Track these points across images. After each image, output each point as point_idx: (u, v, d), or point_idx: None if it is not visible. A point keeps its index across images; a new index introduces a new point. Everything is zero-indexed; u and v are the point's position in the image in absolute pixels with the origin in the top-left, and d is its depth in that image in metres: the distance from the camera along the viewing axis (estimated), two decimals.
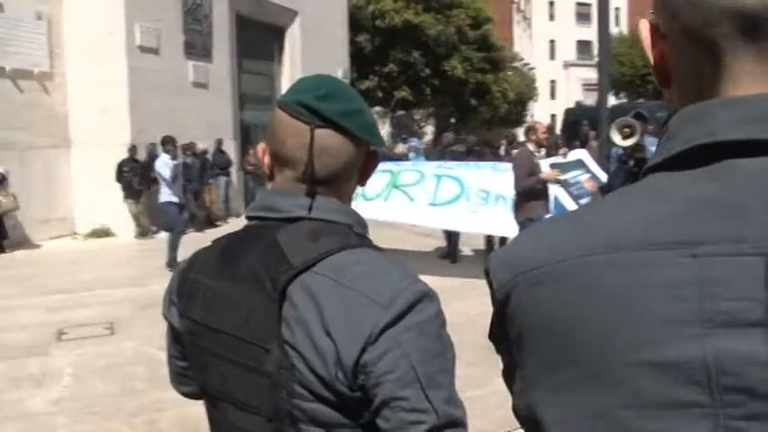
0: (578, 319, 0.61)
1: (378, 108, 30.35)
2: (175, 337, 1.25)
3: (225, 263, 1.13)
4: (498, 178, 8.07)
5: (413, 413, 0.97)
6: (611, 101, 43.84)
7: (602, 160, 6.98)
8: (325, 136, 1.10)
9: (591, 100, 50.00)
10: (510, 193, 7.37)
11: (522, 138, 10.88)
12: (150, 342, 5.96)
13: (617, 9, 60.32)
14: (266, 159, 1.19)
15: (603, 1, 7.15)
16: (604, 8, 7.21)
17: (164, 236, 9.91)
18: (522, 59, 37.49)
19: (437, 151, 12.39)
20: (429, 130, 32.31)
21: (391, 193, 8.42)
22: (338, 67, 19.47)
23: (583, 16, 59.22)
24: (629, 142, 5.77)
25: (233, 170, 14.92)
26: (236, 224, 12.20)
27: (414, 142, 14.14)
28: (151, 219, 12.13)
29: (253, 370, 1.04)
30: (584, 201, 6.58)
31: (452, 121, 31.37)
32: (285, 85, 17.86)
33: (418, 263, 8.85)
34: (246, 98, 16.73)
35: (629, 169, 6.01)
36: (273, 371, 1.01)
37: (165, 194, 9.12)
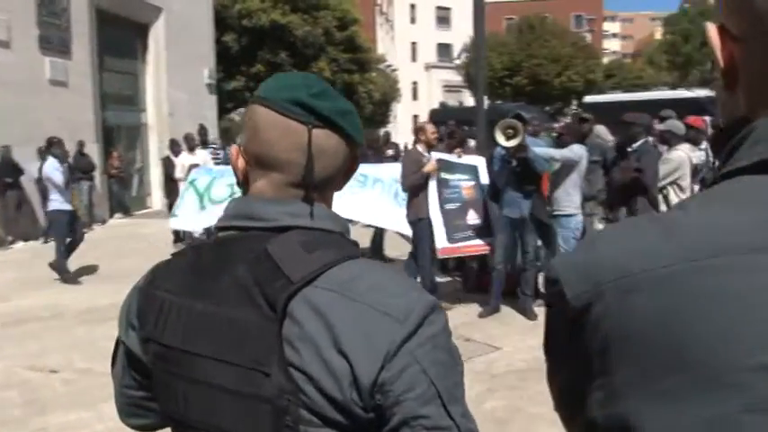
0: (688, 324, 0.59)
1: (242, 109, 29.80)
2: (132, 364, 1.13)
3: (200, 279, 1.02)
4: (377, 167, 8.15)
5: (435, 431, 0.93)
6: (470, 102, 45.52)
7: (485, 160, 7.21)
8: (322, 136, 1.03)
9: (452, 101, 51.86)
10: (389, 177, 7.46)
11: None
12: (20, 362, 5.51)
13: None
14: (240, 163, 1.08)
15: (479, 7, 7.40)
16: (480, 14, 7.48)
17: (35, 245, 9.12)
18: (385, 61, 38.09)
19: None
20: None
21: None
22: (204, 66, 18.93)
23: (443, 20, 61.17)
24: (513, 143, 5.94)
25: (96, 174, 14.08)
26: (101, 232, 11.51)
27: None
28: (5, 227, 11.20)
29: (248, 397, 0.95)
30: (449, 206, 6.61)
31: None
32: (149, 84, 17.13)
33: None
34: (108, 98, 15.86)
35: (512, 169, 6.23)
36: (275, 396, 0.92)
37: (57, 202, 8.47)
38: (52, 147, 8.93)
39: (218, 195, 8.49)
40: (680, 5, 74.62)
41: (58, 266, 8.35)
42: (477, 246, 6.71)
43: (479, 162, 6.98)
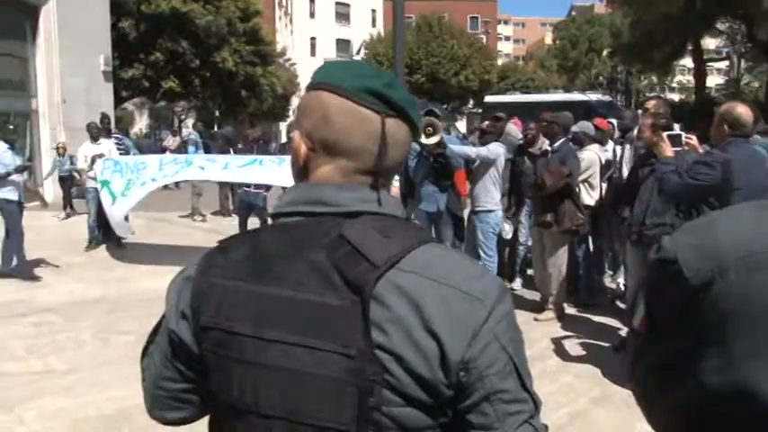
0: None
1: (136, 100, 28.70)
2: (178, 355, 1.10)
3: (268, 264, 1.01)
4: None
5: (514, 404, 0.98)
6: None
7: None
8: (394, 125, 1.05)
9: None
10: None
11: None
12: None
13: (373, 11, 63.26)
14: (303, 149, 1.08)
15: (400, 7, 7.49)
16: (400, 13, 7.57)
17: None
18: (286, 54, 37.77)
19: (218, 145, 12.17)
20: (190, 123, 31.22)
21: (179, 173, 8.21)
22: (99, 52, 18.06)
23: (342, 16, 61.20)
24: (434, 140, 6.08)
25: None
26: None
27: (192, 135, 13.55)
28: None
29: (331, 380, 0.95)
30: None
31: (216, 114, 30.67)
32: (41, 68, 16.16)
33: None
34: None
35: (430, 165, 6.38)
36: (360, 378, 0.94)
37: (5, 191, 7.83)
38: None
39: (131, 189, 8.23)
40: (568, 13, 78.36)
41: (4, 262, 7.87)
42: None
43: None
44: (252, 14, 26.73)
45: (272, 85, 29.43)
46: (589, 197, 6.56)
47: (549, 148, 6.20)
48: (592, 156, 6.56)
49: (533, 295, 6.82)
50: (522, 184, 6.96)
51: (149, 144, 21.72)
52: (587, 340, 5.65)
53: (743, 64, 41.18)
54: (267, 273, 1.01)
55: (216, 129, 22.42)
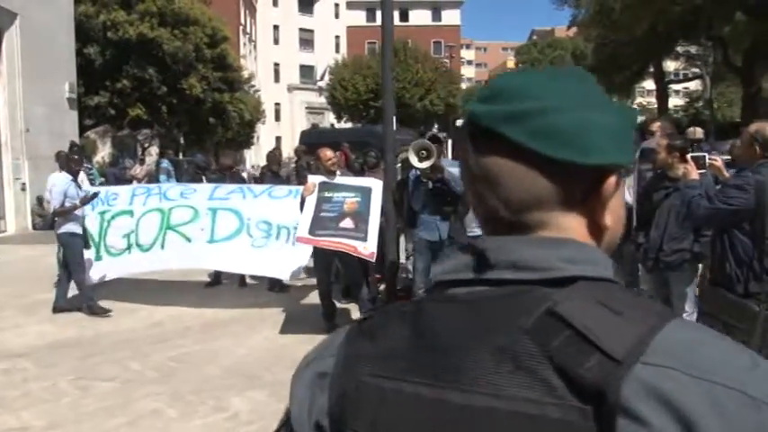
0: None
1: (99, 128, 28.04)
2: None
3: (441, 357, 0.72)
4: (277, 207, 7.79)
5: None
6: (334, 123, 45.53)
7: (390, 182, 7.02)
8: None
9: (313, 123, 51.81)
10: (291, 221, 7.21)
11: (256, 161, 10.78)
12: None
13: (337, 37, 63.42)
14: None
15: (387, 37, 7.22)
16: (388, 38, 7.29)
17: None
18: (253, 81, 37.38)
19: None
20: (153, 151, 30.63)
21: (167, 236, 7.66)
22: (64, 79, 17.50)
23: (305, 42, 61.19)
24: (426, 164, 5.83)
25: None
26: None
27: (164, 163, 13.08)
28: None
29: None
30: (324, 214, 6.36)
31: (181, 141, 30.11)
32: (3, 95, 15.53)
33: (185, 293, 8.17)
34: None
35: (427, 191, 6.10)
36: None
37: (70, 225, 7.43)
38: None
39: (116, 247, 7.76)
40: (529, 37, 79.66)
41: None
42: (337, 242, 6.24)
43: (375, 184, 6.73)
44: (219, 40, 26.33)
45: (240, 112, 29.00)
46: None
47: None
48: None
49: None
50: None
51: (115, 172, 21.09)
52: None
53: (700, 86, 42.19)
54: (444, 369, 0.71)
55: (181, 157, 21.88)
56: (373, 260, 6.37)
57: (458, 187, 5.98)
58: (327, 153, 6.74)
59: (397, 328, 0.76)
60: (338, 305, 6.98)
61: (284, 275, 7.52)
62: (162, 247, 7.62)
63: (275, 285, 8.50)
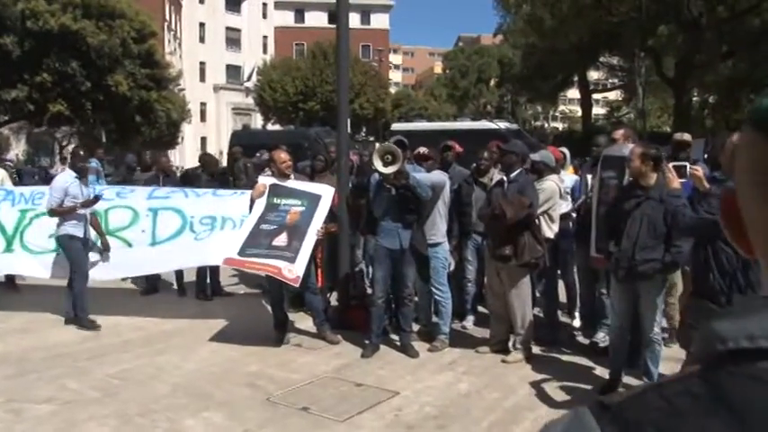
0: None
1: (13, 124, 26.50)
2: None
3: None
4: (222, 203, 7.46)
5: None
6: (260, 124, 44.72)
7: (344, 187, 6.76)
8: None
9: (239, 124, 50.71)
10: (238, 214, 6.97)
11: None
12: None
13: (265, 37, 62.42)
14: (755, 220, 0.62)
15: (343, 37, 6.97)
16: (344, 39, 7.02)
17: None
18: (180, 78, 36.23)
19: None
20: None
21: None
22: None
23: (232, 41, 59.96)
24: (392, 169, 5.61)
25: None
26: None
27: (93, 163, 12.26)
28: None
29: None
30: (264, 227, 6.13)
31: (103, 140, 28.86)
32: None
33: (119, 301, 7.65)
34: None
35: (390, 197, 5.85)
36: None
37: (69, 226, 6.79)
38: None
39: (37, 244, 7.18)
40: (456, 43, 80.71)
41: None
42: (263, 264, 6.03)
43: (326, 192, 6.47)
44: (147, 35, 25.27)
45: (168, 111, 27.94)
46: (549, 229, 6.23)
47: (504, 178, 5.83)
48: (552, 186, 6.23)
49: (484, 333, 6.40)
50: (467, 214, 6.61)
51: (32, 171, 19.94)
52: (567, 383, 5.24)
53: (620, 96, 43.69)
54: None
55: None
56: (297, 285, 6.08)
57: (423, 193, 5.80)
58: (282, 155, 6.46)
59: (698, 420, 0.51)
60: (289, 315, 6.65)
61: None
62: (100, 253, 7.11)
63: (202, 293, 8.12)
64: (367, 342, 6.06)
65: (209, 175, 8.95)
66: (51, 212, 6.78)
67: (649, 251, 4.61)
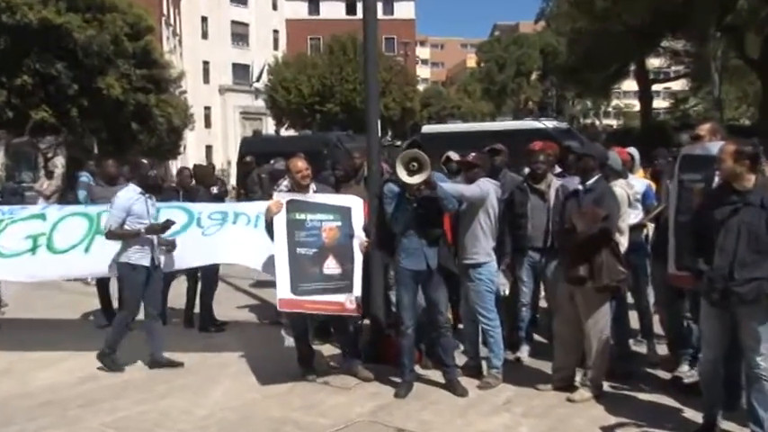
0: None
1: None
2: None
3: None
4: (235, 206, 7.82)
5: None
6: (271, 130, 44.79)
7: (374, 199, 6.61)
8: None
9: (249, 130, 51.01)
10: (254, 211, 7.10)
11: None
12: None
13: (275, 31, 62.99)
14: None
15: (370, 30, 6.82)
16: (372, 28, 6.86)
17: None
18: (183, 80, 36.55)
19: None
20: (59, 162, 29.57)
21: (94, 240, 7.16)
22: None
23: (239, 37, 60.63)
24: (418, 179, 5.49)
25: None
26: None
27: (83, 177, 12.29)
28: None
29: None
30: (302, 251, 6.04)
31: (95, 151, 29.18)
32: None
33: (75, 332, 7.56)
34: None
35: (414, 210, 5.72)
36: None
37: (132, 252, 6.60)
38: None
39: (9, 247, 7.17)
40: (491, 32, 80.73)
41: None
42: (329, 303, 6.06)
43: (354, 203, 6.36)
44: (142, 31, 25.53)
45: (168, 117, 28.18)
46: (619, 244, 5.99)
47: (579, 187, 5.64)
48: (620, 193, 5.99)
49: (543, 366, 6.28)
50: (522, 227, 6.47)
51: (14, 189, 20.14)
52: (649, 428, 5.01)
53: (686, 86, 43.15)
54: None
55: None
56: (359, 313, 6.19)
57: (450, 205, 5.75)
58: (299, 164, 6.34)
59: None
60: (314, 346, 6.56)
61: (254, 264, 6.96)
62: (86, 250, 7.05)
63: (210, 325, 8.09)
64: (399, 380, 5.94)
65: (206, 188, 8.86)
66: (109, 235, 6.54)
67: (751, 269, 4.36)
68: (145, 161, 7.39)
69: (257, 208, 6.99)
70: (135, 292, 6.61)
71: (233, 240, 7.06)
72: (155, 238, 6.64)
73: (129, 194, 6.57)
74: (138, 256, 6.53)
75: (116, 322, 6.78)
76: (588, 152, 5.79)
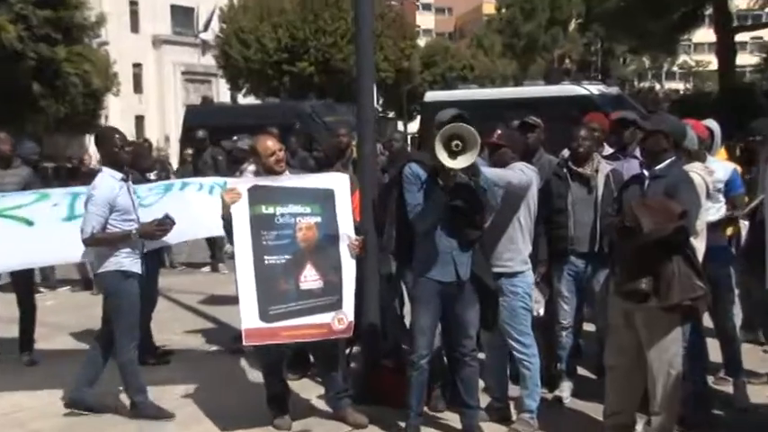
0: None
1: None
2: None
3: None
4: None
5: None
6: (226, 97, 44.76)
7: (367, 186, 6.68)
8: None
9: (195, 96, 50.96)
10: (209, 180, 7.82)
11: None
12: None
13: None
14: None
15: None
16: None
17: None
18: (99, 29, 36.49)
19: None
20: None
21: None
22: None
23: None
24: (464, 163, 5.44)
25: None
26: None
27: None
28: None
29: None
30: (271, 260, 6.07)
31: None
32: None
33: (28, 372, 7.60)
34: None
35: (449, 205, 5.68)
36: None
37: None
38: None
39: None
40: None
41: None
42: (311, 326, 6.12)
43: (338, 183, 6.42)
44: None
45: (84, 76, 28.23)
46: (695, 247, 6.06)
47: (644, 172, 5.66)
48: (698, 182, 6.03)
49: (589, 409, 6.38)
50: (561, 225, 6.61)
51: None
52: None
53: None
54: None
55: None
56: (350, 334, 6.34)
57: (493, 200, 5.79)
58: (269, 143, 6.38)
59: None
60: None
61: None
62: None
63: (149, 355, 8.06)
64: (403, 424, 6.02)
65: (140, 173, 8.85)
66: (91, 241, 6.36)
67: None
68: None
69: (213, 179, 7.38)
70: (134, 308, 6.54)
71: (184, 208, 7.13)
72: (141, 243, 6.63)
73: (110, 183, 6.42)
74: (129, 261, 6.46)
75: (120, 362, 6.56)
76: (659, 127, 5.77)
